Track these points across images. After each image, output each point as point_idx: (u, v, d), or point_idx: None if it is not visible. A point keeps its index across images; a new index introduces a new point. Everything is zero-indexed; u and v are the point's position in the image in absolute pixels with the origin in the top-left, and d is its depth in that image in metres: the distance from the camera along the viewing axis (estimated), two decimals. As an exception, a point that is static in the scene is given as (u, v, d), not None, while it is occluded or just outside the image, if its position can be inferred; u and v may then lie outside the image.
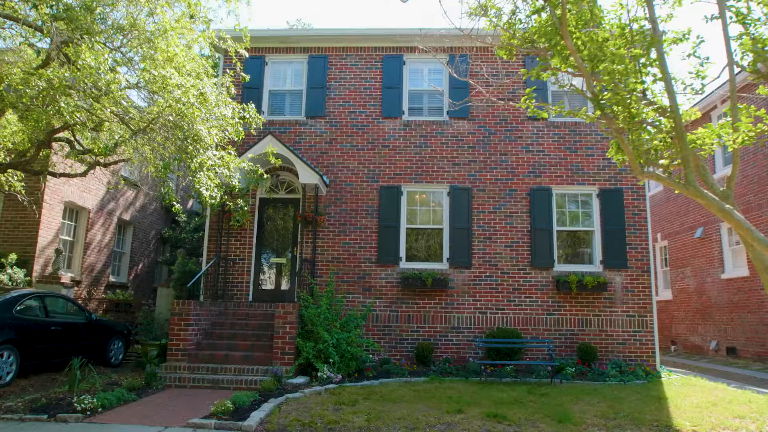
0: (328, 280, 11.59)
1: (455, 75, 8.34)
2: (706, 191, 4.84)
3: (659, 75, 4.95)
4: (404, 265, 11.98)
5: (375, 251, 12.01)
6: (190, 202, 19.23)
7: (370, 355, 10.66)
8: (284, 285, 12.34)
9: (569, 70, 5.31)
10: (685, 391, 8.95)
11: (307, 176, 11.37)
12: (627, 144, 5.00)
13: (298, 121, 12.74)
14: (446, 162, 12.39)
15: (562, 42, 4.95)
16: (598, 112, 5.08)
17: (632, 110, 4.89)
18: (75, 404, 6.96)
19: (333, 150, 12.55)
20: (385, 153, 12.48)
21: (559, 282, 11.53)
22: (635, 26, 5.06)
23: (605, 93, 5.05)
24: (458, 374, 10.25)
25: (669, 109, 4.84)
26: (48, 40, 8.03)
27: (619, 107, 4.84)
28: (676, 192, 6.02)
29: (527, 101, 5.79)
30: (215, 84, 8.55)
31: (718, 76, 5.14)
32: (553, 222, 12.04)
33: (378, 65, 12.90)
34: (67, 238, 13.93)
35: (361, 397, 7.78)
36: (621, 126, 5.00)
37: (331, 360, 9.53)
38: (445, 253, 12.02)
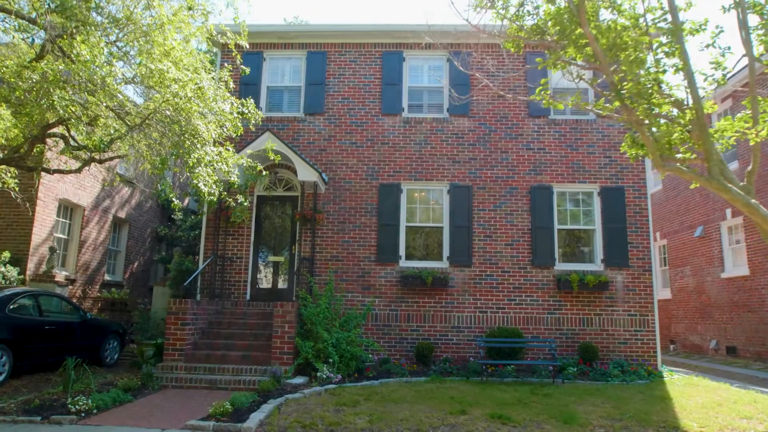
0: (326, 278, 11.44)
1: (461, 68, 8.17)
2: (730, 186, 4.71)
3: (680, 65, 4.81)
4: (404, 263, 11.85)
5: (374, 250, 11.87)
6: (186, 200, 19.03)
7: (370, 355, 10.52)
8: (282, 284, 12.19)
9: (579, 63, 5.17)
10: (689, 391, 8.85)
11: (305, 173, 11.22)
12: (647, 136, 4.86)
13: (296, 118, 12.58)
14: (446, 159, 12.25)
15: (578, 31, 4.80)
16: (617, 104, 4.94)
17: (653, 101, 4.75)
18: (69, 405, 6.79)
19: (332, 147, 12.40)
20: (385, 150, 12.34)
21: (560, 281, 11.42)
22: (650, 17, 4.93)
23: (625, 83, 4.91)
24: (459, 374, 10.12)
25: (685, 102, 4.71)
26: (42, 33, 7.87)
27: (640, 98, 4.69)
28: (692, 186, 5.87)
29: (542, 92, 5.64)
30: (213, 78, 8.38)
31: (734, 67, 5.01)
32: (554, 220, 11.93)
33: (377, 62, 12.75)
34: (61, 235, 13.73)
35: (362, 398, 7.64)
36: (641, 118, 4.85)
37: (330, 360, 9.39)
38: (445, 252, 11.89)
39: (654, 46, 4.83)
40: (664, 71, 4.85)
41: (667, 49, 4.70)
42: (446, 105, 12.52)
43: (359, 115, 12.53)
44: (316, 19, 60.33)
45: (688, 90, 4.76)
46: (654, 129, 5.01)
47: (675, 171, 5.25)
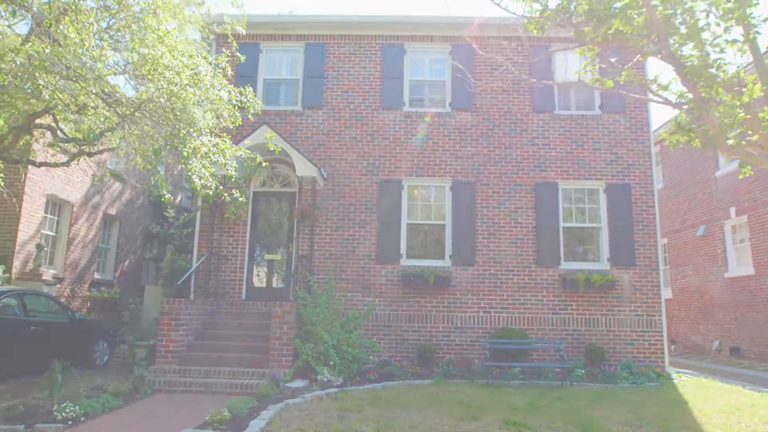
0: (325, 277, 11.05)
1: (481, 52, 7.79)
2: (807, 172, 4.40)
3: (750, 35, 4.44)
4: (405, 262, 11.48)
5: (375, 248, 11.49)
6: (179, 197, 18.55)
7: (371, 357, 10.13)
8: (278, 283, 11.79)
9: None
10: (703, 395, 8.56)
11: (304, 169, 10.83)
12: (713, 116, 4.50)
13: (294, 112, 12.17)
14: (449, 155, 11.90)
15: (625, 0, 4.45)
16: (677, 79, 4.60)
17: (723, 74, 4.40)
18: (55, 413, 6.34)
19: (331, 142, 12.00)
20: (385, 145, 11.96)
21: (565, 280, 11.11)
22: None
23: (684, 55, 4.56)
24: (463, 376, 9.78)
25: (739, 82, 4.37)
26: (29, 17, 7.44)
27: (706, 71, 4.33)
28: (742, 177, 5.51)
29: (589, 67, 5.28)
30: (210, 63, 7.96)
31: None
32: (559, 218, 11.61)
33: (378, 54, 12.37)
34: (49, 233, 13.23)
35: (366, 403, 7.28)
36: (703, 95, 4.50)
37: (331, 362, 9.01)
38: (448, 250, 11.53)
39: (719, 13, 4.46)
40: (734, 41, 4.49)
41: (737, 16, 4.33)
42: (448, 99, 12.18)
43: (359, 109, 12.14)
44: (312, 13, 59.75)
45: (754, 66, 4.39)
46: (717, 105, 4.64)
47: (740, 155, 4.90)
